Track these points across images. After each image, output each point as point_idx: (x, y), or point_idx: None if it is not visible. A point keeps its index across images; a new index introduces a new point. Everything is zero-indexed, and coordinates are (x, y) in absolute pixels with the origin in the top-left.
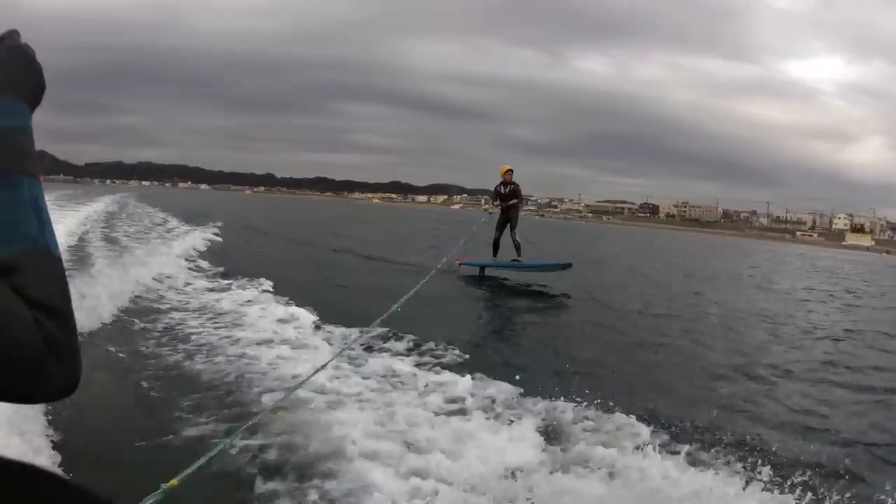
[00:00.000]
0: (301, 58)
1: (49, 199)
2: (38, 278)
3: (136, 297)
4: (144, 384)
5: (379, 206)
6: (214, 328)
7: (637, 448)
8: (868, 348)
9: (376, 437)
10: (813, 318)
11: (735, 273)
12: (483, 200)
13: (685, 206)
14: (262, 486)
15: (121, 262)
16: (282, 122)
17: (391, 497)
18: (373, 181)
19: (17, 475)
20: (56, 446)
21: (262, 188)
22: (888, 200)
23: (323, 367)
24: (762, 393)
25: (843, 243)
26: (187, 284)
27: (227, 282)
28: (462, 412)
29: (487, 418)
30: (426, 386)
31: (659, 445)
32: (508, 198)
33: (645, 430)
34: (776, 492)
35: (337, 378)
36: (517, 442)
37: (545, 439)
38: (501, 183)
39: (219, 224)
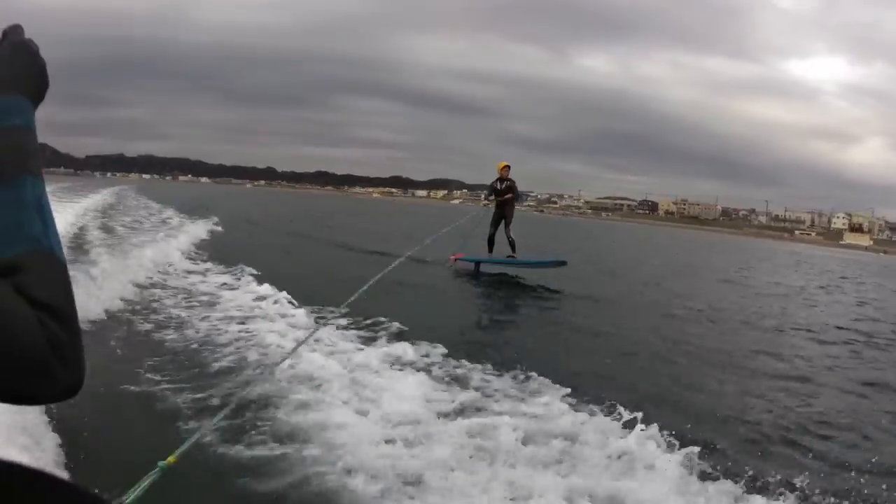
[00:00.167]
0: (303, 52)
1: (48, 191)
2: (42, 279)
3: (132, 286)
4: (140, 368)
5: (378, 201)
6: (206, 314)
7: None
8: (800, 339)
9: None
10: (765, 311)
11: (719, 268)
12: (483, 195)
13: (684, 204)
14: (252, 457)
15: (118, 253)
16: (283, 115)
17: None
18: (373, 175)
19: (16, 477)
20: (55, 429)
21: (262, 182)
22: (887, 201)
23: (300, 343)
24: (665, 374)
25: (841, 242)
26: (183, 275)
27: (219, 271)
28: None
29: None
30: (391, 364)
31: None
32: (504, 193)
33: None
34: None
35: (314, 351)
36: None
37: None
38: (498, 179)
39: (215, 219)
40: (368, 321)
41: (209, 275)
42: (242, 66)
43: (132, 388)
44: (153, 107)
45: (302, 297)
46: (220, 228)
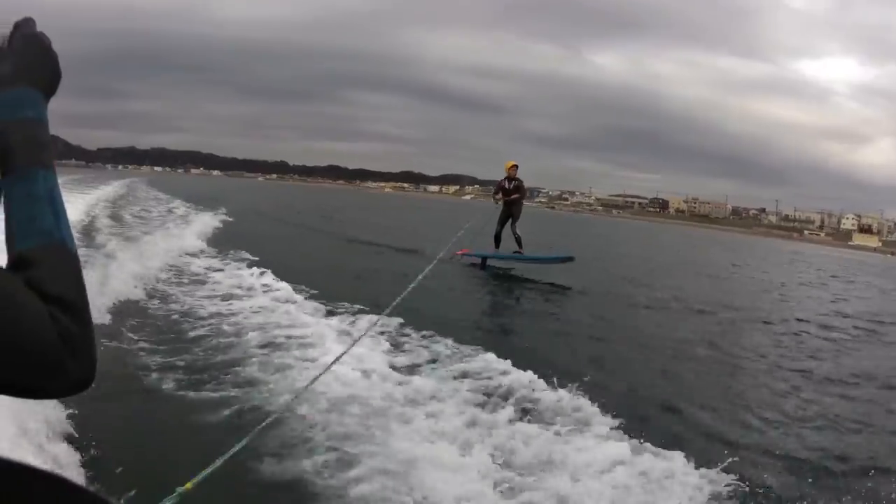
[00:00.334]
0: (316, 46)
1: (59, 182)
2: (54, 273)
3: (149, 286)
4: (159, 379)
5: (391, 196)
6: (229, 319)
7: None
8: (752, 330)
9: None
10: (727, 302)
11: (711, 264)
12: (492, 194)
13: (695, 202)
14: (277, 488)
15: (131, 246)
16: (295, 109)
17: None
18: (385, 170)
19: (19, 476)
20: (71, 446)
21: (274, 176)
22: None
23: (336, 360)
24: (610, 358)
25: (850, 243)
26: (199, 272)
27: (237, 269)
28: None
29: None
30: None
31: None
32: (512, 193)
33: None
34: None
35: (350, 367)
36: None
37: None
38: (506, 178)
39: (223, 210)
40: (405, 328)
41: (235, 273)
42: (256, 60)
43: (152, 400)
44: (165, 100)
45: (326, 299)
46: (230, 219)
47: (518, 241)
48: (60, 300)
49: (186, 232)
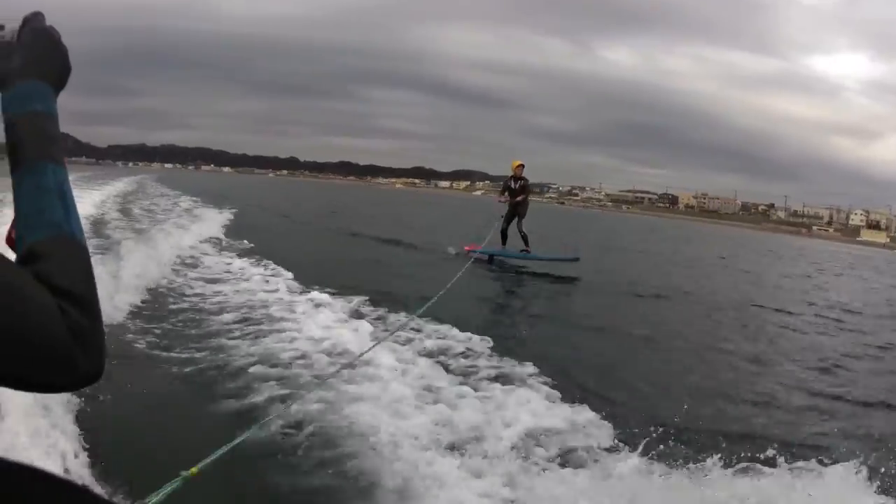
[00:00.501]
0: (327, 42)
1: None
2: (63, 266)
3: (161, 277)
4: (168, 367)
5: (402, 192)
6: (239, 312)
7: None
8: (700, 314)
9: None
10: (686, 287)
11: (697, 257)
12: (498, 193)
13: (704, 198)
14: (282, 477)
15: (139, 240)
16: (306, 106)
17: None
18: (397, 166)
19: (20, 478)
20: (79, 435)
21: (285, 172)
22: None
23: (360, 356)
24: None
25: (858, 239)
26: (208, 265)
27: (247, 262)
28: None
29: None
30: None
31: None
32: (518, 193)
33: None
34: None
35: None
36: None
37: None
38: (512, 177)
39: (233, 210)
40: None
41: (253, 271)
42: (266, 57)
43: (160, 388)
44: (175, 97)
45: (346, 296)
46: (239, 216)
47: (524, 239)
48: (70, 293)
49: (194, 226)
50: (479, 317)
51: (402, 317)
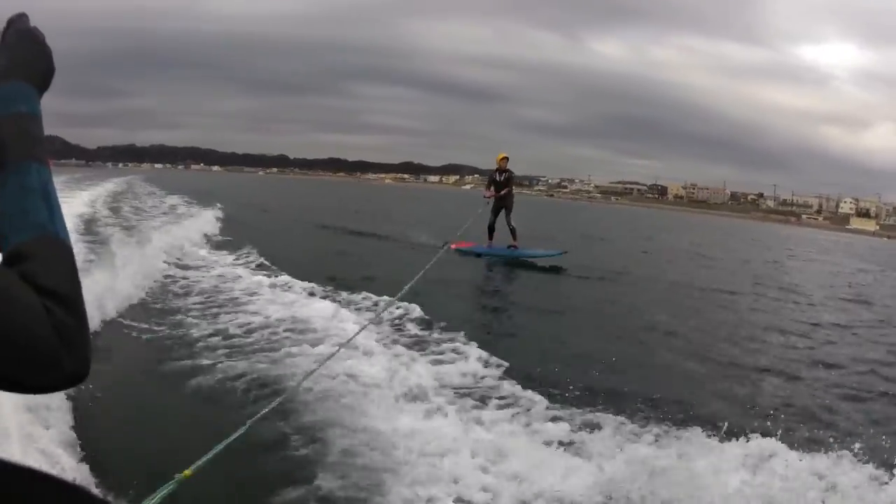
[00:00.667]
0: (316, 39)
1: (60, 181)
2: (48, 266)
3: (150, 279)
4: (161, 369)
5: (391, 187)
6: (228, 312)
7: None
8: (637, 293)
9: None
10: (641, 272)
11: (672, 245)
12: (484, 187)
13: (693, 188)
14: (276, 476)
15: (128, 239)
16: (295, 103)
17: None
18: (386, 162)
19: (20, 479)
20: (73, 436)
21: (274, 169)
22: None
23: (341, 348)
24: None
25: (847, 227)
26: (199, 266)
27: (236, 262)
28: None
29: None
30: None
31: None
32: (503, 186)
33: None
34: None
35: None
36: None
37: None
38: (497, 170)
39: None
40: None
41: (245, 272)
42: (254, 54)
43: (153, 389)
44: (164, 97)
45: (330, 286)
46: (226, 215)
47: (513, 232)
48: (55, 293)
49: (186, 223)
50: (438, 297)
51: (384, 299)
